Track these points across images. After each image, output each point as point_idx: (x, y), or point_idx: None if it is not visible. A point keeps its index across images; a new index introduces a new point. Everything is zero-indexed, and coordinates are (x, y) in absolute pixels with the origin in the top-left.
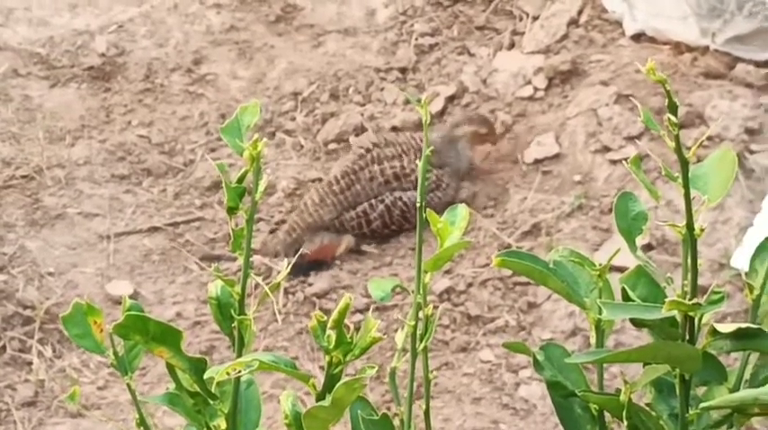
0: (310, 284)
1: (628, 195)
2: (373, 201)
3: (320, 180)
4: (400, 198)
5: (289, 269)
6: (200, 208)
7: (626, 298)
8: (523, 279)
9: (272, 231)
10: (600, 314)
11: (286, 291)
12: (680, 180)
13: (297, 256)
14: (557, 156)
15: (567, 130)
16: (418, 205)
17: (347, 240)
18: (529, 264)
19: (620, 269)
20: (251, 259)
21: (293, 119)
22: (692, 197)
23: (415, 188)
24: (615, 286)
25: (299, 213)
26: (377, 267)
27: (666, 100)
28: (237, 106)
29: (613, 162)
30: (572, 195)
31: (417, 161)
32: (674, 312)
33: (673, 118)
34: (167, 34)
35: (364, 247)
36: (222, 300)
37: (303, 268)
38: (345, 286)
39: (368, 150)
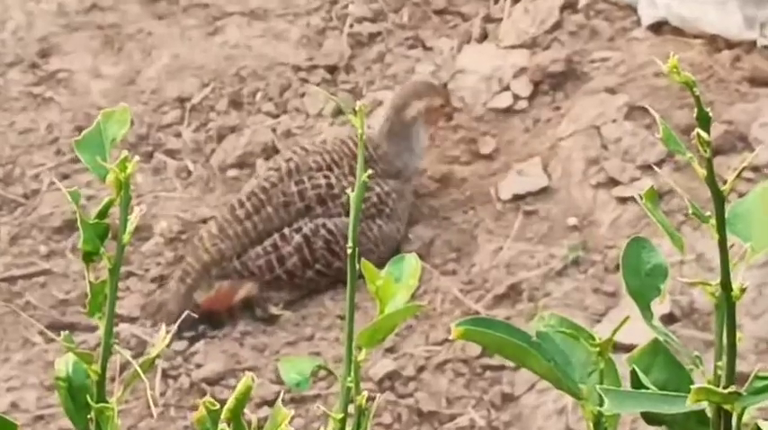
0: (199, 366)
1: (641, 242)
2: (286, 230)
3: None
4: (323, 224)
5: (170, 336)
6: (47, 257)
7: (637, 384)
8: (496, 361)
9: (161, 278)
10: (600, 405)
11: (166, 375)
12: (713, 221)
13: (184, 313)
14: (544, 191)
15: (560, 156)
16: (350, 250)
17: (248, 287)
18: (502, 335)
19: (631, 347)
20: (116, 328)
21: (178, 134)
22: (730, 245)
23: (347, 213)
24: (623, 370)
25: (192, 252)
26: (292, 342)
27: (696, 110)
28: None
29: (623, 200)
30: (565, 246)
31: (353, 176)
32: (704, 404)
33: (704, 134)
34: (4, 15)
35: (274, 311)
36: (74, 381)
37: (192, 323)
38: (248, 368)
39: (286, 161)
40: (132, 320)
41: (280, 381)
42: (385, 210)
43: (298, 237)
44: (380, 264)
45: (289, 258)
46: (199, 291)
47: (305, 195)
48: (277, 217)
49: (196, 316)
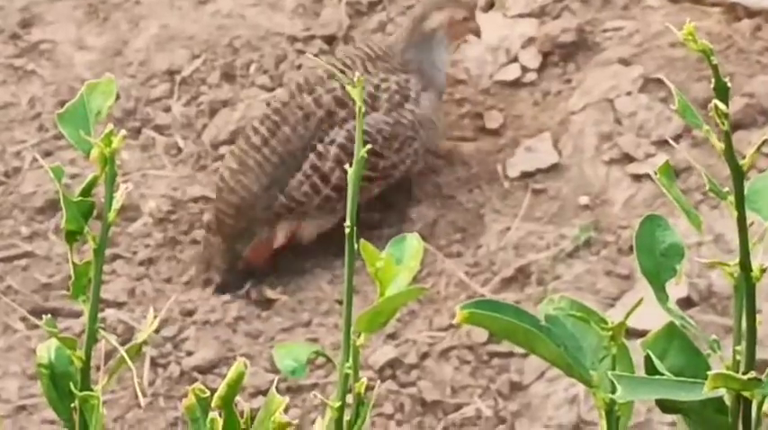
0: (189, 353)
1: (655, 220)
2: (320, 146)
3: (206, 199)
4: (355, 127)
5: (157, 321)
6: (29, 239)
7: (651, 370)
8: (504, 348)
9: (149, 261)
10: (613, 393)
11: (154, 363)
12: (731, 198)
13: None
14: (554, 168)
15: (571, 131)
16: (347, 229)
17: (283, 228)
18: (509, 319)
19: (645, 333)
20: (102, 313)
21: (167, 109)
22: (749, 224)
23: (375, 109)
24: (637, 357)
25: (218, 197)
26: (288, 328)
27: (713, 81)
28: None
29: (637, 177)
30: (576, 226)
31: (371, 71)
32: (722, 392)
33: (721, 105)
34: None
35: (270, 294)
36: (57, 368)
37: (236, 280)
38: (242, 355)
39: (294, 84)
40: (119, 305)
41: (275, 370)
42: (410, 95)
43: (334, 149)
44: (419, 156)
45: (332, 174)
46: (239, 245)
47: (321, 101)
48: (295, 135)
49: (172, 298)
